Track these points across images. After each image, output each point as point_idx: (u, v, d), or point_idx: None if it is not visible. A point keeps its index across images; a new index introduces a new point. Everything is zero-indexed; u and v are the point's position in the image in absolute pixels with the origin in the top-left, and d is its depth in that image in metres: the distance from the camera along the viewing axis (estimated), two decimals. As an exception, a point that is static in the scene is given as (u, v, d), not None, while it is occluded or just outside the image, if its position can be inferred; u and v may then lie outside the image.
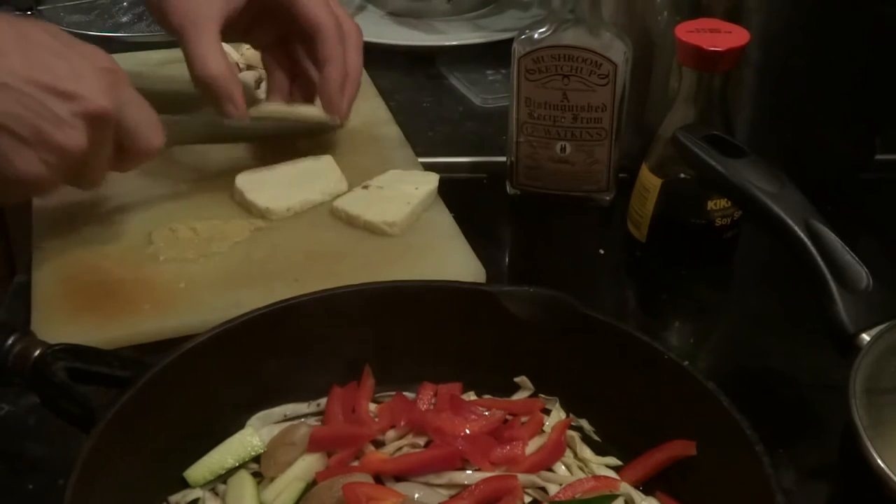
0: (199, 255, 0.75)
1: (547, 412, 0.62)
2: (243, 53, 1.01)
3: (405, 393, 0.62)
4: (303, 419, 0.61)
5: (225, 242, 0.76)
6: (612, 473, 0.58)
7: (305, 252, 0.76)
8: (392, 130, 0.94)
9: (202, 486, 0.57)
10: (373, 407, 0.62)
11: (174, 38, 0.81)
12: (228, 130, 0.82)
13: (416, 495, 0.55)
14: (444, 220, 0.81)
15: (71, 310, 0.69)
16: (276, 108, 0.86)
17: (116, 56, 0.96)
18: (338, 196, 0.81)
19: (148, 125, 0.70)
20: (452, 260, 0.76)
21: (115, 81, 0.67)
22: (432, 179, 0.83)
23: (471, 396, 0.63)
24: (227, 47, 0.94)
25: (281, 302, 0.61)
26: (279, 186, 0.81)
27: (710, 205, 0.76)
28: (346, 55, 0.83)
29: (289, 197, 0.80)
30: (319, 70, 0.84)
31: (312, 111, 0.86)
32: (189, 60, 0.79)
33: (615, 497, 0.55)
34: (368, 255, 0.76)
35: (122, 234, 0.77)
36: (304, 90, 0.88)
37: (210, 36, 0.78)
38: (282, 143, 0.86)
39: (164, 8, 0.80)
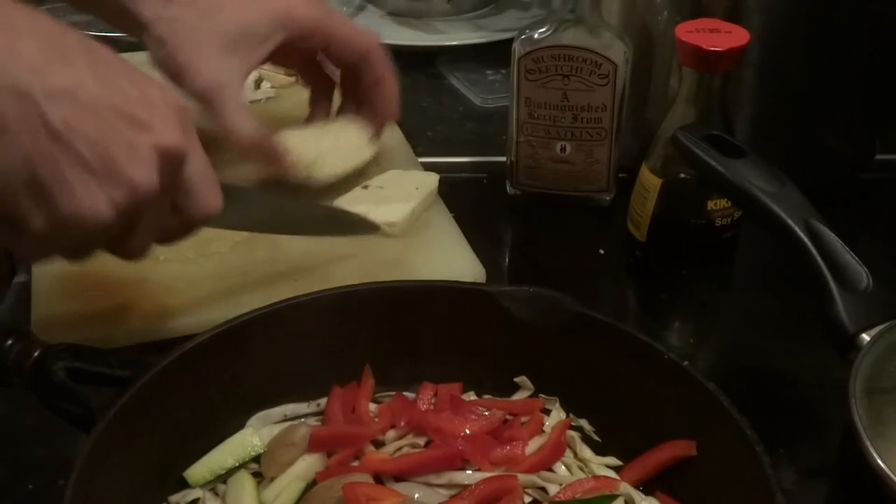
0: (198, 255, 0.75)
1: (547, 412, 0.62)
2: None
3: (405, 393, 0.62)
4: (303, 419, 0.61)
5: (225, 242, 0.76)
6: (612, 473, 0.58)
7: (305, 252, 0.76)
8: (392, 130, 0.94)
9: (202, 486, 0.57)
10: (373, 407, 0.62)
11: (196, 101, 0.76)
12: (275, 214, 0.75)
13: (416, 495, 0.55)
14: (444, 220, 0.81)
15: (71, 310, 0.69)
16: (315, 134, 0.84)
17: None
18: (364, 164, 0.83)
19: (208, 183, 0.59)
20: (452, 260, 0.76)
21: (185, 121, 0.57)
22: (432, 180, 0.83)
23: (471, 396, 0.63)
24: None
25: (281, 302, 0.61)
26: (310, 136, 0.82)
27: (710, 205, 0.76)
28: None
29: (326, 162, 0.81)
30: (373, 88, 0.83)
31: (353, 137, 0.85)
32: (220, 127, 0.76)
33: (615, 497, 0.55)
34: (368, 255, 0.76)
35: None
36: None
37: (235, 101, 0.76)
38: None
39: (182, 73, 0.75)
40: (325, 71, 0.86)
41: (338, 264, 0.74)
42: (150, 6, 0.75)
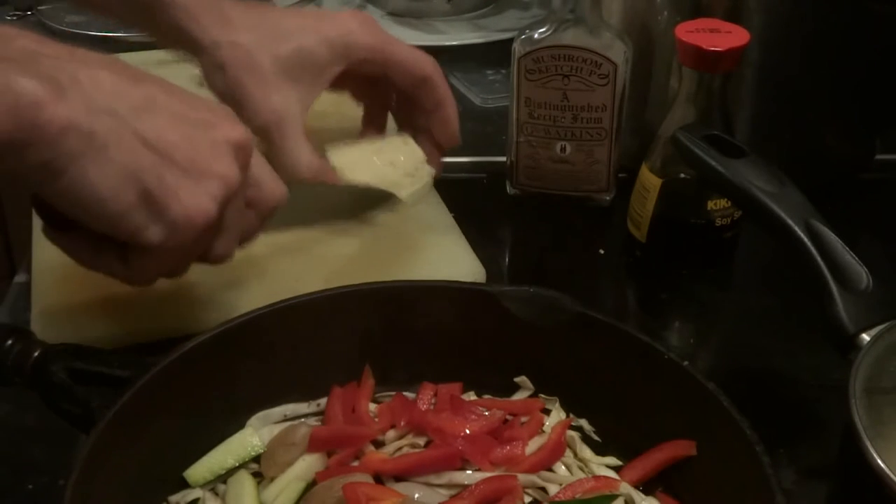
0: None
1: (547, 412, 0.62)
2: None
3: (405, 393, 0.62)
4: (303, 419, 0.61)
5: None
6: (612, 473, 0.58)
7: (306, 252, 0.76)
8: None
9: (202, 486, 0.57)
10: (373, 407, 0.62)
11: (256, 135, 0.74)
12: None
13: (416, 495, 0.55)
14: (444, 220, 0.81)
15: (71, 310, 0.69)
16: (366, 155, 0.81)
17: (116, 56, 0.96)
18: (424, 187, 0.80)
19: (271, 173, 0.64)
20: (452, 260, 0.76)
21: (237, 118, 0.61)
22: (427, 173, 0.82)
23: (471, 396, 0.63)
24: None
25: (281, 302, 0.61)
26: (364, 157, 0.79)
27: (710, 205, 0.76)
28: None
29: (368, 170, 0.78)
30: (432, 113, 0.81)
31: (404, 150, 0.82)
32: (279, 161, 0.75)
33: (615, 497, 0.55)
34: (368, 256, 0.76)
35: None
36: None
37: (296, 137, 0.76)
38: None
39: (244, 104, 0.75)
40: (379, 87, 0.84)
41: (338, 264, 0.74)
42: (208, 29, 0.74)
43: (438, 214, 0.81)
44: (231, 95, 0.75)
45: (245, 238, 0.64)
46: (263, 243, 0.76)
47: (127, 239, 0.56)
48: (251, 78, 0.74)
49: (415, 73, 0.80)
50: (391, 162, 0.79)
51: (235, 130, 0.58)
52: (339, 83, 0.81)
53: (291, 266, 0.74)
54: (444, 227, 0.80)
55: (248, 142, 0.59)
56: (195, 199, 0.55)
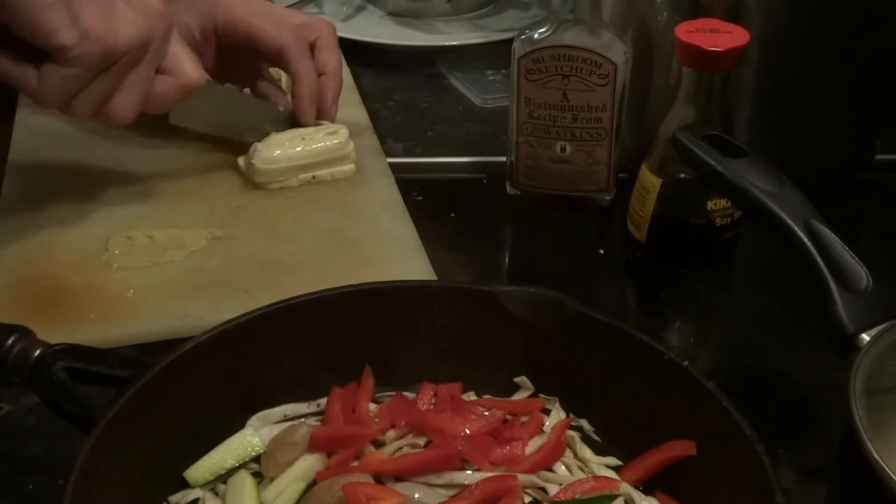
0: (152, 264, 0.74)
1: (547, 412, 0.62)
2: None
3: (405, 393, 0.62)
4: (303, 419, 0.61)
5: (180, 251, 0.76)
6: (612, 473, 0.58)
7: (260, 262, 0.75)
8: (369, 139, 0.92)
9: (202, 486, 0.57)
10: (373, 407, 0.62)
11: None
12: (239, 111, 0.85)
13: (416, 495, 0.55)
14: (404, 231, 0.79)
15: (16, 316, 0.67)
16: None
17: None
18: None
19: (189, 57, 0.72)
20: (408, 271, 0.74)
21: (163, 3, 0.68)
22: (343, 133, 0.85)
23: (471, 396, 0.63)
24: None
25: (281, 302, 0.61)
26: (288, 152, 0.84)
27: (710, 205, 0.76)
28: (320, 57, 0.86)
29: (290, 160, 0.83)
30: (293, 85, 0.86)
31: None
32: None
33: (615, 497, 0.55)
34: (322, 267, 0.74)
35: (80, 241, 0.76)
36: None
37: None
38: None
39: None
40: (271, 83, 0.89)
41: (291, 275, 0.73)
42: None
43: (399, 225, 0.80)
44: None
45: (155, 102, 0.71)
46: (217, 252, 0.76)
47: (42, 41, 0.62)
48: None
49: (271, 43, 0.84)
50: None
51: (163, 5, 0.66)
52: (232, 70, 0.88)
53: (244, 276, 0.73)
54: (401, 238, 0.78)
55: (170, 16, 0.68)
56: (109, 21, 0.63)
